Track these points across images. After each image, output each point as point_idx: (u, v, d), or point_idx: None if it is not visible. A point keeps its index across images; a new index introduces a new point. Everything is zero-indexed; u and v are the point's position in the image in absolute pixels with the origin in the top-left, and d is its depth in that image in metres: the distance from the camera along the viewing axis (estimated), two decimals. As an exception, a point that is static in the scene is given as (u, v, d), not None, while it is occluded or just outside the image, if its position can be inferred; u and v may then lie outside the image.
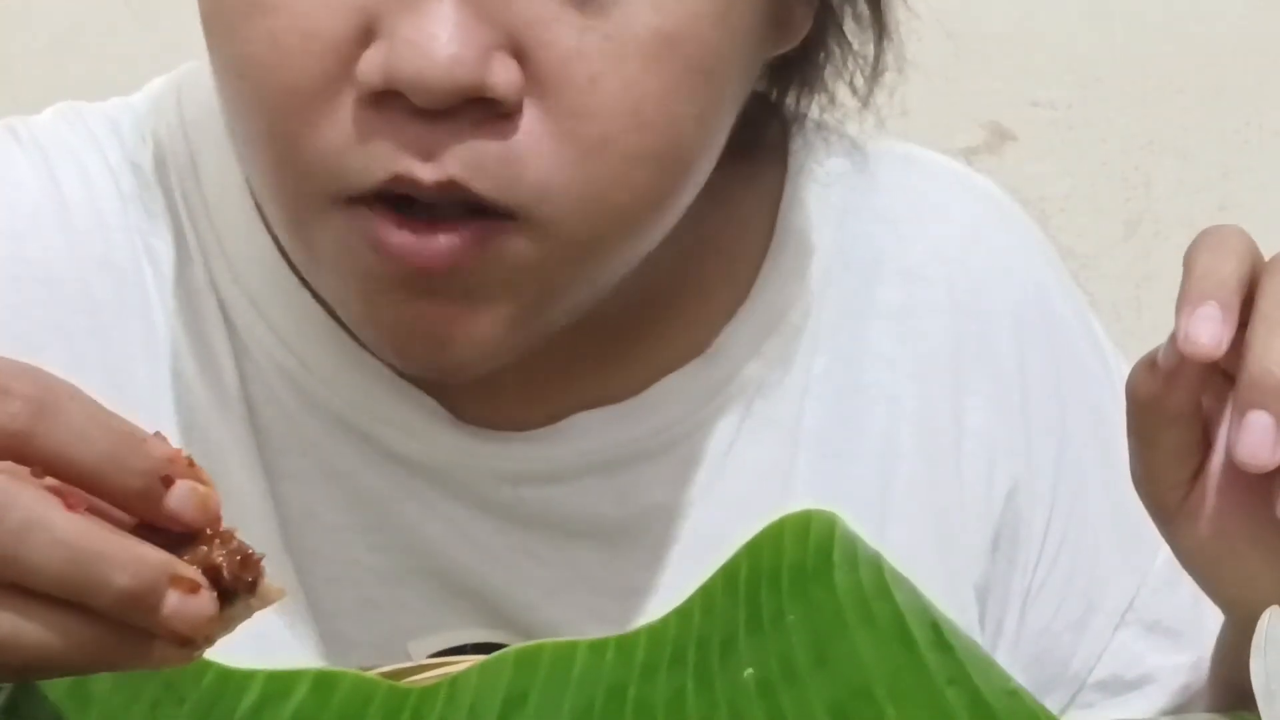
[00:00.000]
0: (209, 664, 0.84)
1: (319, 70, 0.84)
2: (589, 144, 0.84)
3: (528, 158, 0.84)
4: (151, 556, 0.67)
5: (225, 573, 0.71)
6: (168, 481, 0.70)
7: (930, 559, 1.04)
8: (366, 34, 0.83)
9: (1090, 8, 1.82)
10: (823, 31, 0.98)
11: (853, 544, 0.87)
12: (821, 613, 0.85)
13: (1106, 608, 1.08)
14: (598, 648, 0.87)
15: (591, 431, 1.00)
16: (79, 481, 0.67)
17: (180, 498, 0.69)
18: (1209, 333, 0.85)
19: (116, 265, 0.99)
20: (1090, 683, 1.08)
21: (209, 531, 0.71)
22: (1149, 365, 0.90)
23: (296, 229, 0.88)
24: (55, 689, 0.79)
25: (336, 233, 0.86)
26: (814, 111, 1.04)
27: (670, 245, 0.94)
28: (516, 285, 0.87)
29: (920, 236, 1.08)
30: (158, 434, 0.71)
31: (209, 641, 0.71)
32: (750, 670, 0.84)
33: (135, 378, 0.98)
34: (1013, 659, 1.08)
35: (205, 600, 0.69)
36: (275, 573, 0.97)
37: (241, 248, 0.99)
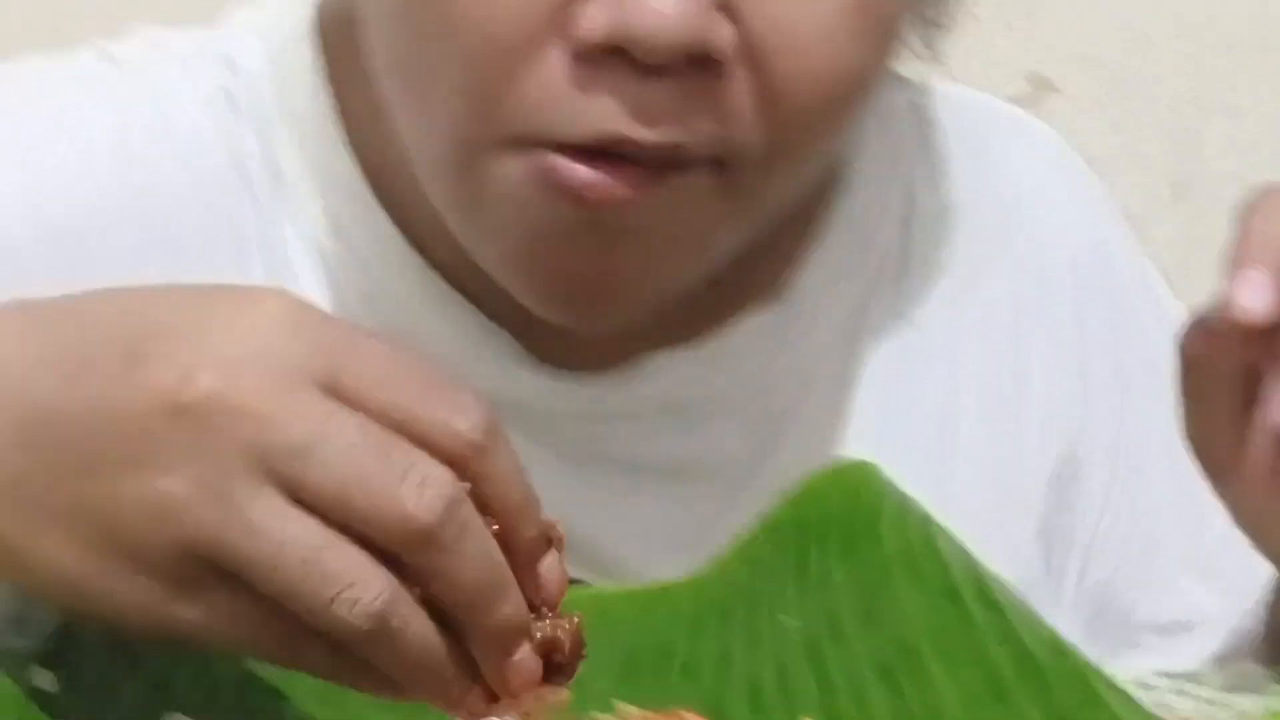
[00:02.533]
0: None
1: (531, 23, 0.84)
2: (793, 109, 0.86)
3: (737, 119, 0.85)
4: (525, 606, 0.73)
5: (565, 649, 0.75)
6: (544, 547, 0.74)
7: (989, 512, 1.05)
8: None
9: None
10: None
11: (900, 499, 0.87)
12: (868, 570, 0.85)
13: (1165, 559, 1.10)
14: (639, 596, 0.89)
15: (665, 373, 1.01)
16: (498, 516, 0.72)
17: (551, 567, 0.74)
18: (1258, 299, 0.86)
19: (213, 187, 1.00)
20: (1154, 627, 1.10)
21: (544, 609, 0.75)
22: (1199, 325, 0.91)
23: (465, 170, 0.88)
24: (98, 648, 0.79)
25: (512, 172, 0.87)
26: None
27: None
28: (686, 225, 0.88)
29: (984, 188, 1.09)
30: None
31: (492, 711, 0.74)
32: (796, 624, 0.85)
33: None
34: (1075, 611, 1.09)
35: (537, 665, 0.74)
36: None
37: (330, 178, 1.00)
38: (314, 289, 0.99)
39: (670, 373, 1.01)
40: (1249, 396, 0.91)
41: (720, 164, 0.87)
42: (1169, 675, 0.98)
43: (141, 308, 0.73)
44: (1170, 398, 1.06)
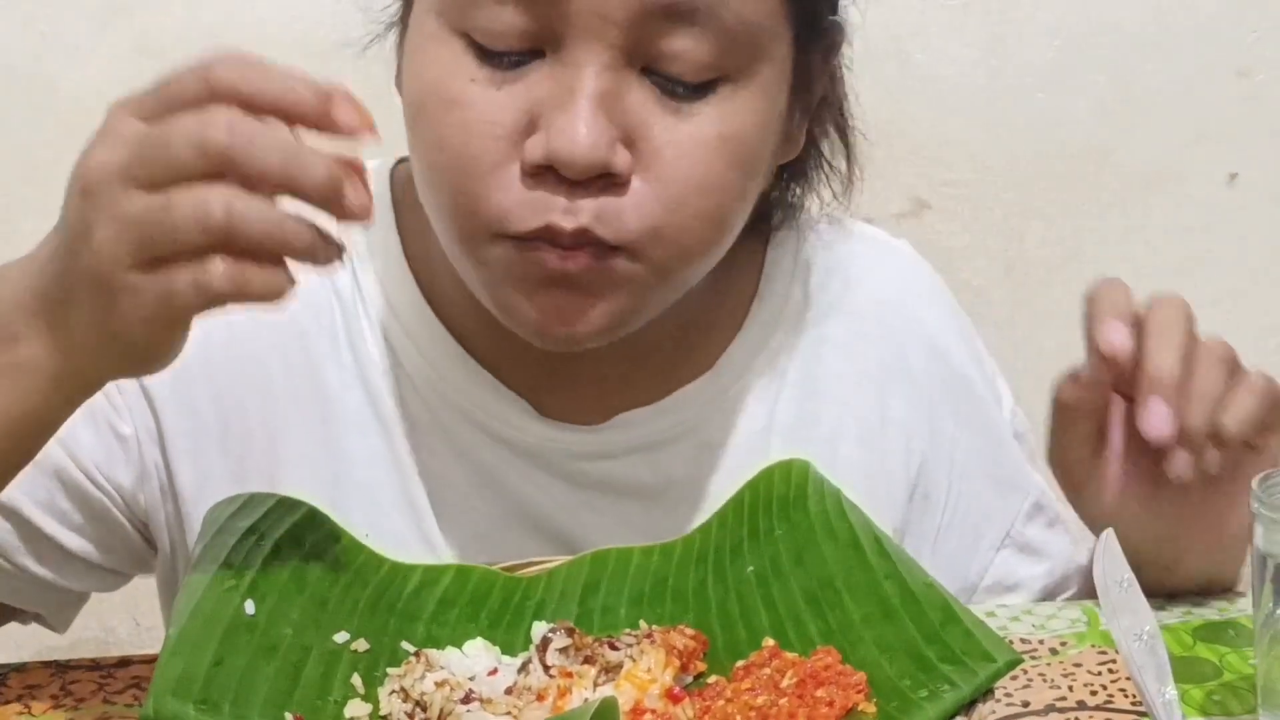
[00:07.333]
0: (384, 560, 0.86)
1: (495, 150, 0.84)
2: (670, 204, 0.85)
3: (633, 213, 0.84)
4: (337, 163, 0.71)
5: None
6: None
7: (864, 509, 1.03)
8: (530, 126, 0.83)
9: (985, 117, 1.82)
10: (810, 149, 1.00)
11: (821, 481, 0.87)
12: (799, 528, 0.85)
13: (989, 538, 1.07)
14: (648, 551, 0.89)
15: (634, 425, 0.99)
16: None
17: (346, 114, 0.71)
18: (1120, 338, 0.88)
19: (315, 303, 0.98)
20: (980, 588, 1.08)
21: None
22: (1072, 378, 0.92)
23: (470, 253, 0.88)
24: (283, 582, 0.80)
25: (503, 255, 0.86)
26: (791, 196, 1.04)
27: (691, 292, 0.94)
28: (619, 290, 0.87)
29: (859, 286, 1.06)
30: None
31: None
32: (751, 568, 0.85)
33: (327, 376, 0.98)
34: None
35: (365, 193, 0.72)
36: (426, 520, 0.97)
37: (397, 294, 0.99)
38: (385, 371, 0.98)
39: (637, 424, 0.99)
40: (1099, 430, 0.92)
41: (632, 253, 0.86)
42: (1006, 607, 0.99)
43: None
44: (988, 427, 1.07)
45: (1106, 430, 0.93)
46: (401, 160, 1.02)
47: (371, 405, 0.99)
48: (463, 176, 0.85)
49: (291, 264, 0.72)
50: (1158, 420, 0.87)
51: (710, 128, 0.85)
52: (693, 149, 0.85)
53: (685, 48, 0.84)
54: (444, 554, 0.98)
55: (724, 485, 0.94)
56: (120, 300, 0.71)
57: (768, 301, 1.04)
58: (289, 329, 0.98)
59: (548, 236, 0.84)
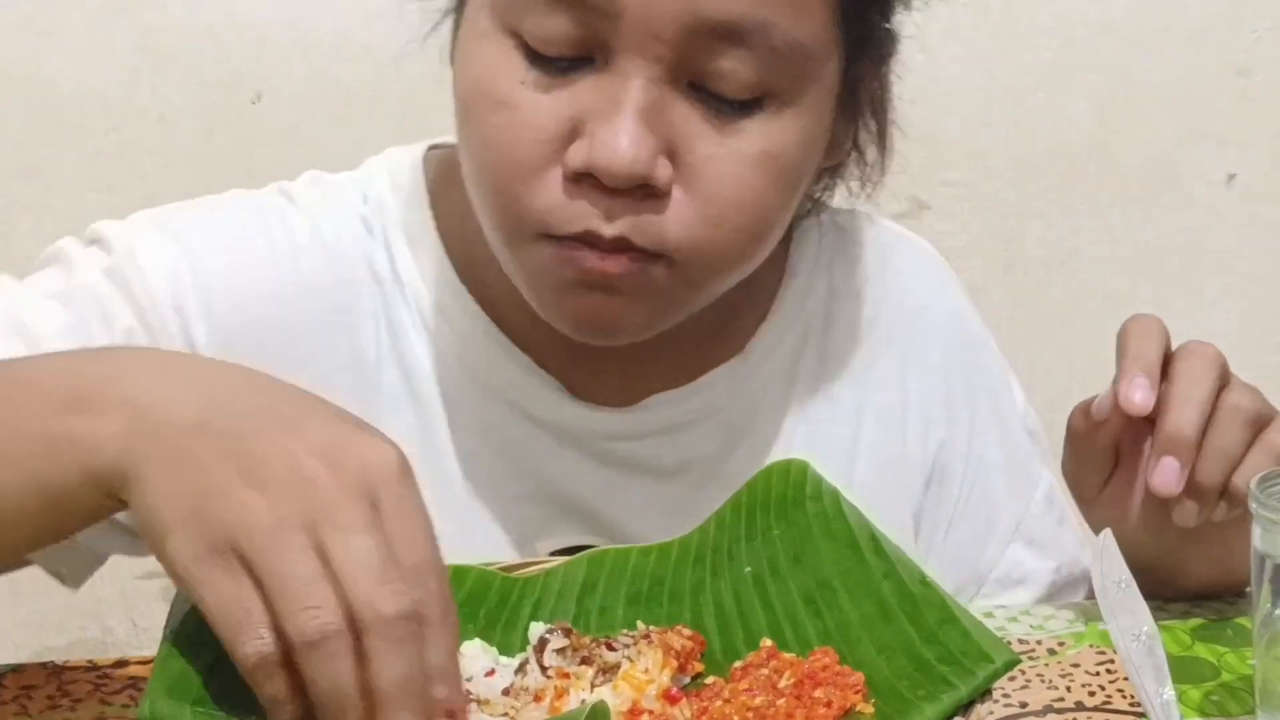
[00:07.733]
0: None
1: (538, 153, 0.85)
2: (711, 219, 0.86)
3: (672, 224, 0.86)
4: None
5: None
6: None
7: (882, 493, 1.03)
8: (574, 132, 0.85)
9: (983, 116, 1.82)
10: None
11: (819, 481, 0.87)
12: (797, 528, 0.85)
13: (1000, 529, 1.09)
14: (645, 552, 0.88)
15: (661, 406, 1.01)
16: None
17: None
18: (1142, 398, 0.89)
19: (355, 281, 0.99)
20: (990, 579, 1.09)
21: None
22: (1084, 412, 0.94)
23: (514, 251, 0.89)
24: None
25: (543, 254, 0.88)
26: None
27: None
28: (654, 296, 0.89)
29: (878, 276, 1.08)
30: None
31: None
32: (749, 568, 0.85)
33: (366, 352, 0.98)
34: (940, 564, 1.09)
35: None
36: (456, 495, 0.98)
37: (433, 273, 1.00)
38: (423, 356, 0.99)
39: (665, 407, 1.01)
40: (1112, 454, 0.95)
41: (670, 261, 0.87)
42: (1004, 608, 0.99)
43: (323, 400, 0.74)
44: (1003, 418, 1.09)
45: (1119, 455, 0.95)
46: (433, 146, 1.04)
47: (406, 382, 1.00)
48: (506, 177, 0.86)
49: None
50: (1167, 478, 0.89)
51: (754, 145, 0.86)
52: (735, 165, 0.86)
53: (732, 67, 0.84)
54: (472, 532, 0.99)
55: (747, 466, 0.95)
56: (186, 530, 0.68)
57: (793, 289, 1.05)
58: (331, 304, 0.98)
59: (588, 241, 0.86)
